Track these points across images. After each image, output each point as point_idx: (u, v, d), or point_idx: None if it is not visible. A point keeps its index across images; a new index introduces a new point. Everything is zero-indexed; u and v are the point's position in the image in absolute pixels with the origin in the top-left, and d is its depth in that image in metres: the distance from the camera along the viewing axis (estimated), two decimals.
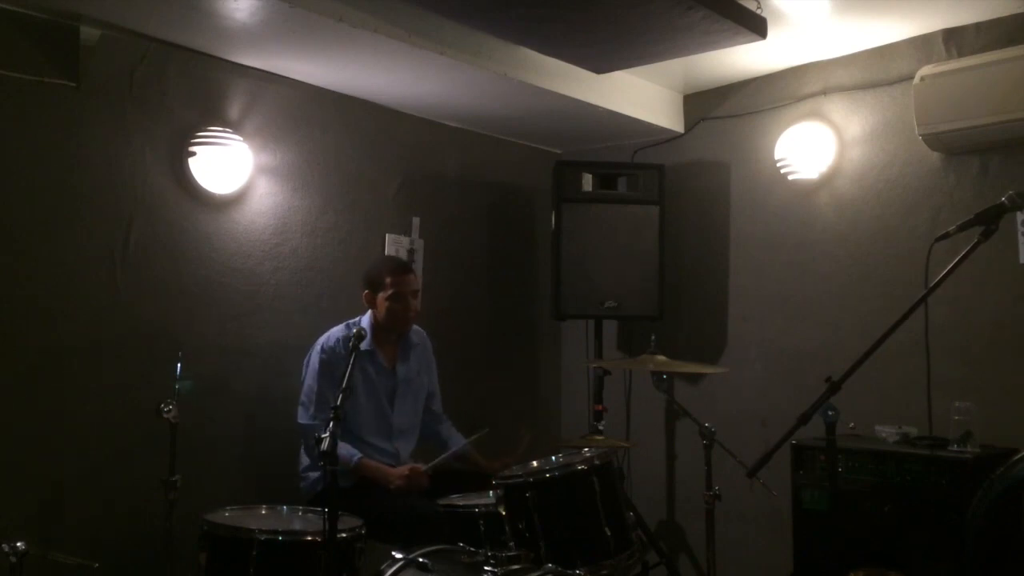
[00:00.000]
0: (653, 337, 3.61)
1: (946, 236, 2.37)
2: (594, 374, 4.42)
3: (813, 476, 3.46)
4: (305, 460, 3.47)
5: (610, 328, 4.67)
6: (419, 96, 4.08)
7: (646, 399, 4.59)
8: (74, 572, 2.87)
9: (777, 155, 4.08)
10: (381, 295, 3.52)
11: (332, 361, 3.43)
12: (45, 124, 3.17)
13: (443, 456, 3.48)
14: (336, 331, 3.53)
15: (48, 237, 3.17)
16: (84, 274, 3.26)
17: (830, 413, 2.38)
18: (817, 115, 4.09)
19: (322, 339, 3.52)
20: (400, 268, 3.60)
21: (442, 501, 3.24)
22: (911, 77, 3.62)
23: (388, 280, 3.52)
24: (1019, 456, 2.67)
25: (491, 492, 3.04)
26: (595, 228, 4.31)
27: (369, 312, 3.59)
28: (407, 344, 3.68)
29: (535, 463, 3.18)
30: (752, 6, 3.16)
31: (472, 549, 2.71)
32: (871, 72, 3.94)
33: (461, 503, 3.21)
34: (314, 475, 3.42)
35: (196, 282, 3.56)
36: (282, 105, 3.85)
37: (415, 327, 3.71)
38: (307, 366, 3.53)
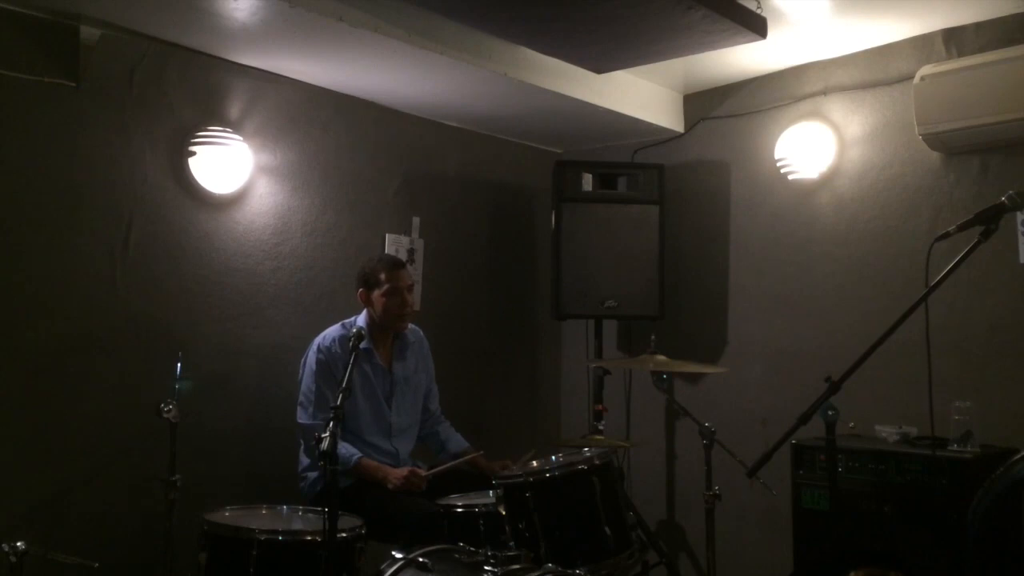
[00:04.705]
0: (653, 337, 3.61)
1: (946, 236, 2.37)
2: (594, 374, 4.42)
3: (813, 476, 3.47)
4: (305, 460, 3.47)
5: (610, 328, 4.67)
6: (419, 96, 4.08)
7: (646, 399, 4.59)
8: (74, 572, 2.86)
9: (777, 155, 4.08)
10: (376, 292, 3.52)
11: (329, 361, 3.43)
12: (45, 124, 3.17)
13: (445, 466, 3.47)
14: (332, 331, 3.52)
15: (48, 237, 3.17)
16: (84, 274, 3.26)
17: (830, 413, 2.39)
18: (817, 115, 4.09)
19: (318, 339, 3.51)
20: (394, 264, 3.60)
21: (442, 501, 3.23)
22: (911, 77, 3.62)
23: (383, 276, 3.51)
24: (1019, 456, 2.66)
25: (491, 492, 3.04)
26: (595, 228, 4.31)
27: (365, 311, 3.59)
28: (404, 343, 3.67)
29: (535, 463, 3.18)
30: (752, 6, 3.16)
31: (472, 549, 2.71)
32: (871, 72, 3.94)
33: (461, 503, 3.21)
34: (314, 475, 3.41)
35: (196, 281, 3.56)
36: (282, 105, 3.85)
37: (411, 325, 3.71)
38: (304, 366, 3.52)
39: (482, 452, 3.62)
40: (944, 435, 3.25)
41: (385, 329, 3.59)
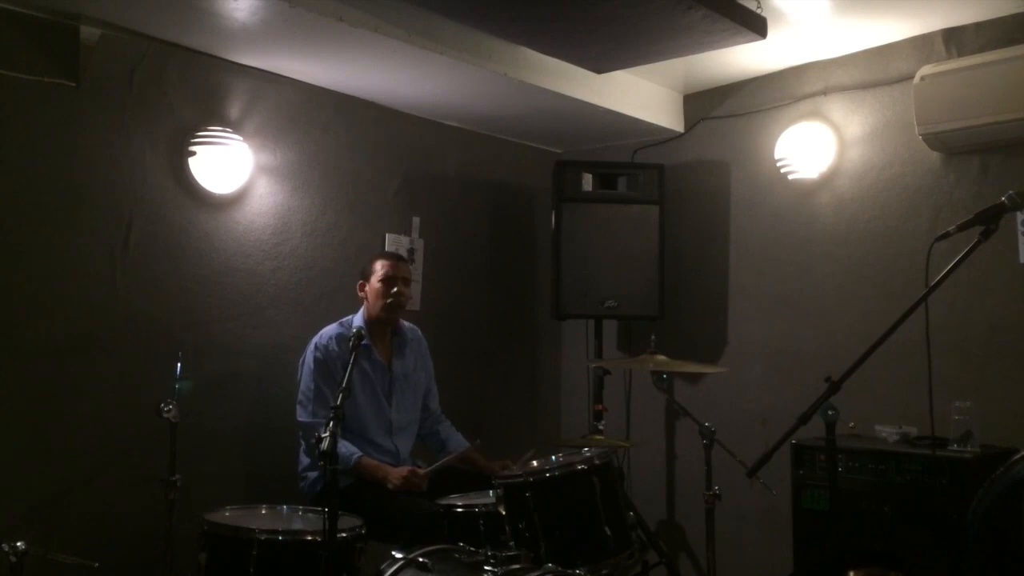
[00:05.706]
0: (653, 337, 3.61)
1: (946, 236, 2.36)
2: (594, 374, 4.42)
3: (813, 475, 3.46)
4: (305, 460, 3.47)
5: (610, 328, 4.67)
6: (419, 96, 4.08)
7: (646, 399, 4.58)
8: (74, 572, 2.86)
9: (777, 155, 4.08)
10: (373, 279, 3.54)
11: (327, 359, 3.43)
12: (45, 124, 3.17)
13: (443, 461, 3.48)
14: (330, 329, 3.53)
15: (48, 237, 3.17)
16: (84, 274, 3.26)
17: (830, 413, 2.38)
18: (817, 115, 4.09)
19: (316, 338, 3.51)
20: (392, 255, 3.65)
21: (442, 501, 3.23)
22: (911, 77, 3.62)
23: (378, 264, 3.55)
24: (1019, 456, 2.66)
25: (491, 492, 3.04)
26: (595, 228, 4.31)
27: (362, 309, 3.59)
28: (402, 340, 3.68)
29: (535, 463, 3.18)
30: (752, 6, 3.16)
31: (472, 549, 2.71)
32: (871, 72, 3.94)
33: (461, 503, 3.21)
34: (314, 475, 3.41)
35: (196, 281, 3.56)
36: (282, 105, 3.85)
37: (410, 324, 3.71)
38: (303, 365, 3.52)
39: (478, 441, 3.60)
40: (944, 435, 3.24)
41: (382, 323, 3.59)
